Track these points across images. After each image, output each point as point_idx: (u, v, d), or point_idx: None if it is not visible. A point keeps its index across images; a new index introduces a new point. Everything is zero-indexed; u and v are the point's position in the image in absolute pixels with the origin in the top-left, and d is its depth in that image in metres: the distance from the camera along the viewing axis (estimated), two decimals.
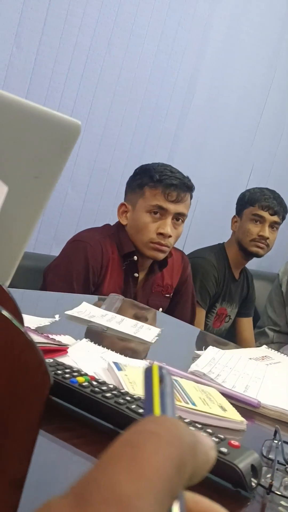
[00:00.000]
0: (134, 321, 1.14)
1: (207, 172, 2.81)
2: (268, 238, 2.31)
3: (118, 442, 0.21)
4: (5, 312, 0.31)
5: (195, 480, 0.23)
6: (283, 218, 2.35)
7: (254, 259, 2.86)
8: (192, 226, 2.78)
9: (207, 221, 2.83)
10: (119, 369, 0.78)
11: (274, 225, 2.32)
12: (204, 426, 0.66)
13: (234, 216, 2.38)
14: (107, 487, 0.19)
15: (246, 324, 2.49)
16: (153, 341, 1.06)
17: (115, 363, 0.80)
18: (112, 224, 1.86)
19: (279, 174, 3.22)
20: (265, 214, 2.29)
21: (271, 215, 2.30)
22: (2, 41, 1.99)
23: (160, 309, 1.91)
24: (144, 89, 2.44)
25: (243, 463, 0.60)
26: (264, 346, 1.20)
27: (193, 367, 0.90)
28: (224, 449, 0.60)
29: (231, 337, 2.48)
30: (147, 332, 1.10)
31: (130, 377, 0.77)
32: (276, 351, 1.18)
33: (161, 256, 1.79)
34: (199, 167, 2.72)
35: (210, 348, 1.04)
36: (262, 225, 2.29)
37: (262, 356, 1.10)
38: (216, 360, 0.97)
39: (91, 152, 2.33)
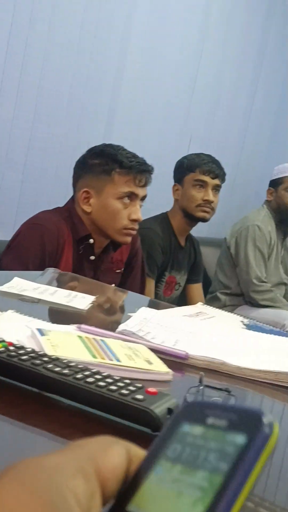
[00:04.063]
0: (68, 291, 1.14)
1: (147, 145, 2.79)
2: (212, 202, 2.33)
3: None
4: None
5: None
6: (223, 181, 2.38)
7: (203, 225, 2.89)
8: None
9: (150, 193, 2.82)
10: (42, 334, 0.78)
11: (216, 188, 2.35)
12: (130, 380, 0.67)
13: (175, 185, 2.39)
14: None
15: (196, 290, 2.52)
16: (86, 308, 1.06)
17: (38, 329, 0.80)
18: (61, 206, 1.84)
19: (218, 142, 3.24)
20: (207, 178, 2.31)
21: (213, 178, 2.32)
22: None
23: (113, 284, 1.91)
24: (74, 62, 2.41)
25: (159, 408, 0.61)
26: (200, 303, 1.21)
27: (122, 326, 0.90)
28: (140, 396, 0.61)
29: (182, 304, 2.51)
30: (81, 300, 1.10)
31: (53, 341, 0.77)
32: (209, 306, 1.20)
33: (129, 239, 1.80)
34: (138, 140, 2.71)
35: (142, 308, 1.05)
36: (205, 189, 2.31)
37: (197, 313, 1.11)
38: (147, 320, 0.98)
39: (25, 130, 2.29)
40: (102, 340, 0.81)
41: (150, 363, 0.78)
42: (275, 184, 2.93)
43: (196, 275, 2.51)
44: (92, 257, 1.79)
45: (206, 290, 2.97)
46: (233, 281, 2.89)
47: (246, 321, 1.11)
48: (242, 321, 1.10)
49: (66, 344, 0.77)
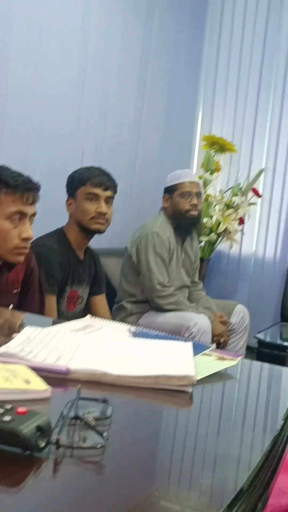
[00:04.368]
0: None
1: (38, 163, 2.79)
2: (106, 213, 2.35)
3: None
4: None
5: None
6: (115, 192, 2.41)
7: (103, 236, 2.91)
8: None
9: (46, 210, 2.80)
10: None
11: (108, 200, 2.37)
12: (3, 402, 0.67)
13: (68, 199, 2.40)
14: None
15: (100, 302, 2.53)
16: None
17: None
18: None
19: (110, 154, 3.28)
20: (98, 190, 2.33)
21: (104, 190, 2.34)
22: None
23: (11, 306, 1.89)
24: None
25: (27, 427, 0.61)
26: (89, 315, 1.23)
27: (2, 349, 0.90)
28: (7, 418, 0.62)
29: None
30: None
31: None
32: (101, 319, 1.22)
33: (23, 258, 1.78)
34: (28, 159, 2.69)
35: (27, 328, 1.05)
36: (97, 202, 2.33)
37: (84, 326, 1.12)
38: (31, 339, 0.98)
39: None
40: None
41: (28, 382, 0.78)
42: (169, 190, 3.00)
43: (98, 286, 2.52)
44: None
45: (112, 301, 2.99)
46: (137, 288, 2.93)
47: (133, 329, 1.13)
48: (129, 330, 1.12)
49: None
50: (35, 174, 2.66)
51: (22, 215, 1.75)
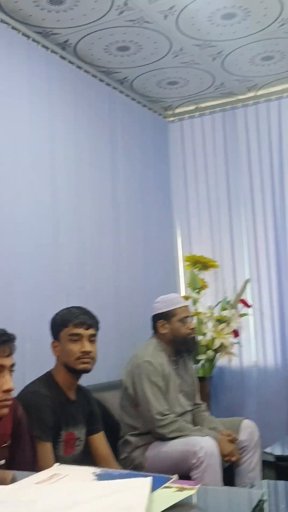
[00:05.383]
0: None
1: (24, 310, 2.88)
2: (91, 352, 2.39)
3: None
4: None
5: None
6: (97, 329, 2.46)
7: (100, 371, 2.92)
8: (26, 363, 2.80)
9: (37, 353, 2.85)
10: None
11: (92, 338, 2.42)
12: None
13: (53, 342, 2.45)
14: None
15: (99, 440, 2.49)
16: None
17: None
18: None
19: (94, 290, 3.38)
20: (81, 330, 2.39)
21: (86, 329, 2.40)
22: None
23: (2, 461, 1.88)
24: None
25: None
26: (57, 464, 1.23)
27: None
28: None
29: (89, 459, 2.47)
30: None
31: None
32: (68, 465, 1.23)
33: (7, 411, 1.82)
34: (13, 307, 2.79)
35: None
36: (81, 341, 2.38)
37: (50, 476, 1.13)
38: None
39: None
40: None
41: None
42: (166, 316, 3.04)
43: (95, 424, 2.50)
44: None
45: (116, 435, 2.95)
46: (138, 421, 2.89)
47: (98, 471, 1.14)
48: (94, 472, 1.13)
49: None
50: (21, 320, 2.78)
51: (0, 367, 1.80)
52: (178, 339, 3.03)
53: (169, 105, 4.31)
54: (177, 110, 4.37)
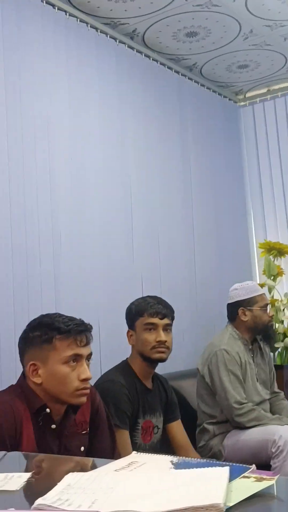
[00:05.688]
0: (4, 474, 1.17)
1: (98, 299, 2.92)
2: (166, 341, 2.39)
3: None
4: None
5: None
6: (172, 319, 2.47)
7: (176, 359, 2.93)
8: (102, 352, 2.84)
9: (113, 342, 2.89)
10: None
11: (167, 328, 2.42)
12: None
13: (128, 331, 2.47)
14: None
15: (176, 428, 2.50)
16: (18, 489, 1.09)
17: None
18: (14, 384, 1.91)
19: (168, 278, 3.39)
20: (156, 320, 2.39)
21: (161, 319, 2.40)
22: None
23: (82, 448, 1.92)
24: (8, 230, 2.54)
25: None
26: (134, 452, 1.25)
27: (38, 501, 0.94)
28: None
29: (167, 447, 2.49)
30: (15, 481, 1.13)
31: None
32: (146, 453, 1.23)
33: (85, 399, 1.85)
34: (87, 297, 2.83)
35: (69, 474, 1.08)
36: (156, 331, 2.39)
37: (129, 463, 1.14)
38: (71, 486, 1.02)
39: None
40: None
41: None
42: (248, 304, 3.00)
43: (172, 413, 2.51)
44: (53, 426, 1.82)
45: (193, 424, 2.95)
46: (216, 409, 2.88)
47: (176, 460, 1.14)
48: (171, 461, 1.14)
49: None
50: (96, 310, 2.83)
51: (78, 357, 1.83)
52: (259, 327, 2.99)
53: (239, 89, 4.23)
54: (248, 94, 4.29)
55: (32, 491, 1.12)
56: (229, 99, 4.26)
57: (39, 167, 2.67)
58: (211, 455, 2.80)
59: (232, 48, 3.53)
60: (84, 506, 0.92)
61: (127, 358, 2.48)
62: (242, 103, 4.33)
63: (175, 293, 3.33)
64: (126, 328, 2.48)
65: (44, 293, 2.63)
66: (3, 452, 1.44)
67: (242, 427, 2.76)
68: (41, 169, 2.69)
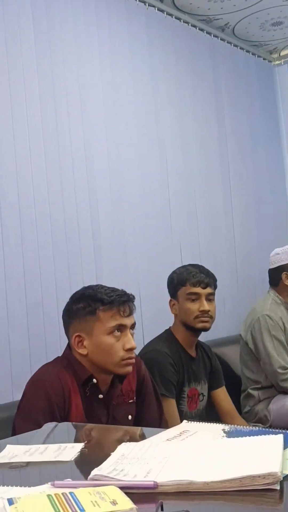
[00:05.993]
0: (58, 445, 1.19)
1: (140, 269, 2.92)
2: (209, 311, 2.38)
3: None
4: None
5: None
6: (215, 287, 2.44)
7: (218, 326, 2.92)
8: (144, 321, 2.85)
9: (155, 312, 2.89)
10: (11, 503, 0.83)
11: (209, 297, 2.40)
12: None
13: (171, 300, 2.46)
14: None
15: (222, 395, 2.50)
16: (72, 459, 1.11)
17: (9, 499, 0.85)
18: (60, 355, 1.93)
19: (208, 246, 3.36)
20: (198, 289, 2.37)
21: (204, 288, 2.38)
22: None
23: (130, 416, 1.94)
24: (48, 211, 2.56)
25: None
26: (185, 421, 1.24)
27: (94, 471, 0.95)
28: None
29: (213, 414, 2.50)
30: (69, 451, 1.15)
31: (20, 508, 0.81)
32: (196, 422, 1.23)
33: (131, 369, 1.86)
34: (125, 272, 2.83)
35: (122, 445, 1.09)
36: (199, 300, 2.37)
37: (180, 433, 1.15)
38: (125, 456, 1.02)
39: (18, 288, 2.39)
40: (71, 493, 0.85)
41: (115, 503, 0.82)
42: None
43: (217, 380, 2.51)
44: (101, 396, 1.84)
45: (238, 390, 2.95)
46: (260, 375, 2.87)
47: (227, 428, 1.14)
48: (223, 429, 1.13)
49: (32, 508, 0.82)
50: (137, 279, 2.83)
51: (122, 327, 1.84)
52: None
53: (274, 48, 4.10)
54: (283, 52, 4.15)
55: (86, 461, 1.13)
56: (264, 59, 4.13)
57: (73, 139, 2.66)
58: (257, 421, 2.80)
59: (265, 4, 3.40)
60: (140, 476, 0.93)
61: (170, 327, 2.47)
62: (277, 62, 4.20)
63: (215, 260, 3.30)
64: (166, 297, 2.47)
65: (84, 265, 2.64)
66: (54, 423, 1.46)
67: None
68: (76, 141, 2.67)
